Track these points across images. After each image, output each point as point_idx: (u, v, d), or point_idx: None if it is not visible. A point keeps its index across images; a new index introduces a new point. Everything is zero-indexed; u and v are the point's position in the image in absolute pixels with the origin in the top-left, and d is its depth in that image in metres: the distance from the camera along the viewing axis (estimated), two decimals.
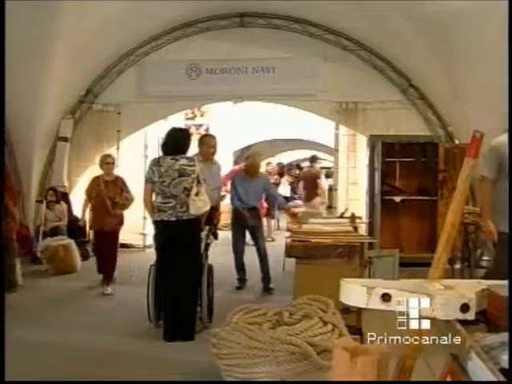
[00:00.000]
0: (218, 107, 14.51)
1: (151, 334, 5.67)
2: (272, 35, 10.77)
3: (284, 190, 16.15)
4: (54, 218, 10.11)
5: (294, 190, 18.51)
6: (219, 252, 7.64)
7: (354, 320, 4.71)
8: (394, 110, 10.64)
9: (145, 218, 10.25)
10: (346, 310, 4.03)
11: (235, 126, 15.63)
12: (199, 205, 5.66)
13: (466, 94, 9.01)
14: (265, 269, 7.96)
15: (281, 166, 18.49)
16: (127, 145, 11.35)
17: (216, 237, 7.03)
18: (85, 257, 9.76)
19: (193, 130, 14.16)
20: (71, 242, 9.22)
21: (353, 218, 6.96)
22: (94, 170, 9.28)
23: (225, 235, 8.68)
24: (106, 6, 8.84)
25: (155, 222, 5.77)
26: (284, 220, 13.46)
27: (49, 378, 4.24)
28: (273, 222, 14.11)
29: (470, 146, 1.98)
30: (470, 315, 1.74)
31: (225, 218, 9.43)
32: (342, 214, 8.12)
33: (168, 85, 10.87)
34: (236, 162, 16.74)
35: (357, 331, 4.43)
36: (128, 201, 7.87)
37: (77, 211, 10.07)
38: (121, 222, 7.98)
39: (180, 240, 5.61)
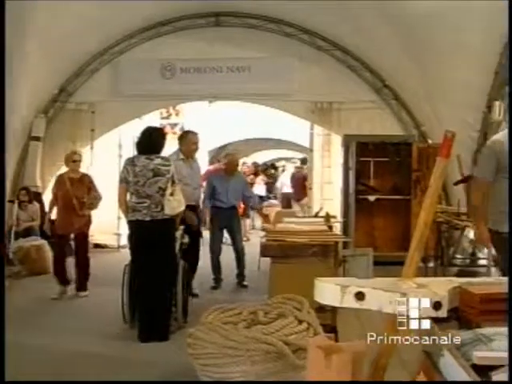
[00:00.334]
0: (193, 106, 14.48)
1: (126, 335, 5.63)
2: (247, 35, 10.76)
3: (259, 189, 16.18)
4: (26, 219, 9.98)
5: (269, 190, 18.56)
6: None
7: (329, 319, 4.73)
8: (369, 110, 10.71)
9: (119, 218, 10.17)
10: (320, 308, 4.05)
11: (210, 125, 15.58)
12: (174, 205, 5.65)
13: (440, 94, 9.11)
14: (241, 267, 8.03)
15: (256, 165, 18.55)
16: (101, 144, 11.24)
17: (200, 235, 7.08)
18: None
19: (168, 129, 14.07)
20: (44, 243, 9.09)
21: (327, 217, 7.00)
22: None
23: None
24: (79, 5, 8.75)
25: (130, 222, 5.74)
26: (259, 219, 13.49)
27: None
28: (248, 221, 14.13)
29: (442, 146, 2.00)
30: (442, 313, 1.76)
31: None
32: (317, 213, 8.17)
33: (143, 84, 10.79)
34: (211, 162, 16.72)
35: (332, 330, 4.46)
36: (96, 200, 7.51)
37: None
38: (88, 222, 7.61)
39: (155, 240, 5.57)
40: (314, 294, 1.91)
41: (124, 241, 9.57)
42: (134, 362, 4.91)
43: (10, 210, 10.30)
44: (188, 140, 7.23)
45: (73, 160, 7.56)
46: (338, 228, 8.60)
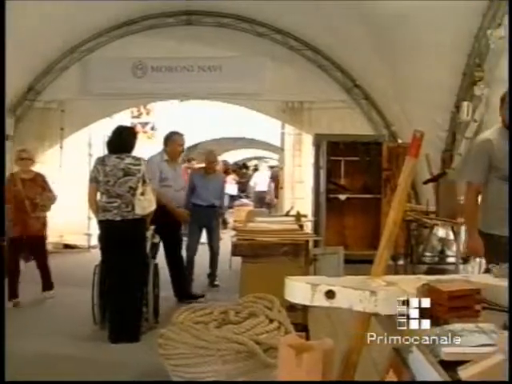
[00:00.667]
0: (164, 105, 14.44)
1: (96, 336, 5.59)
2: (219, 34, 10.74)
3: (230, 188, 16.17)
4: None
5: (242, 189, 18.58)
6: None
7: (300, 317, 4.74)
8: (339, 109, 10.78)
9: (89, 218, 10.05)
10: (291, 307, 4.06)
11: (181, 124, 15.49)
12: (145, 204, 5.62)
13: (409, 94, 9.21)
14: (214, 267, 8.04)
15: (226, 164, 18.55)
16: (71, 143, 11.11)
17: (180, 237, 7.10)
18: (26, 259, 9.49)
19: (139, 128, 14.01)
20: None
21: (298, 216, 7.03)
22: (37, 169, 9.04)
23: None
24: (48, 3, 8.63)
25: (100, 222, 5.70)
26: (230, 219, 13.50)
27: None
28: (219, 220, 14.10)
29: (411, 145, 2.02)
30: None
31: None
32: (288, 212, 8.20)
33: (113, 82, 10.69)
34: (182, 160, 16.63)
35: (303, 328, 4.47)
36: (50, 200, 7.06)
37: None
38: (44, 224, 7.14)
39: (125, 240, 5.54)
40: (284, 293, 1.92)
41: (94, 241, 9.45)
42: (104, 363, 4.86)
43: None
44: (173, 141, 7.16)
45: (20, 158, 7.09)
46: (308, 227, 8.65)
